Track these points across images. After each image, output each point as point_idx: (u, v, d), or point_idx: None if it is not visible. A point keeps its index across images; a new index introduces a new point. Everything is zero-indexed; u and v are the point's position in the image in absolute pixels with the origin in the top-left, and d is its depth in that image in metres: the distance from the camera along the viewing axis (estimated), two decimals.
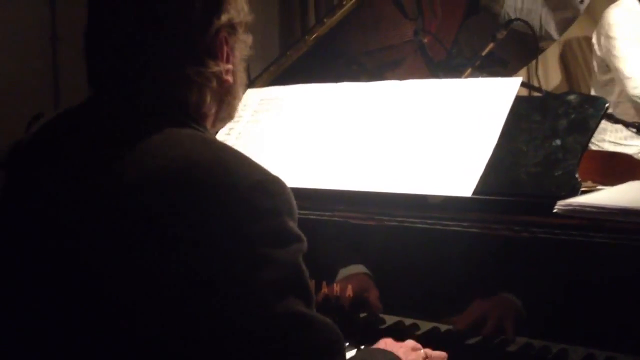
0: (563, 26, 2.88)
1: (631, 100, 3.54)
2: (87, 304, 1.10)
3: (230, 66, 1.27)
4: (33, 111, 3.18)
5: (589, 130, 1.61)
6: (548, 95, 2.23)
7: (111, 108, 1.21)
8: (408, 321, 1.67)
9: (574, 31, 3.52)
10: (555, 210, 1.43)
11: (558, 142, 1.61)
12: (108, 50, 1.22)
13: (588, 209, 1.36)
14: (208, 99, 1.24)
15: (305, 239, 1.16)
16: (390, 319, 1.70)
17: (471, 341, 1.58)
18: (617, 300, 1.44)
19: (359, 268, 1.75)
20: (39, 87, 3.60)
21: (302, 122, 1.91)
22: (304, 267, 1.14)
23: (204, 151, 1.13)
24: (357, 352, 1.48)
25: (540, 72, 3.84)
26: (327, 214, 1.76)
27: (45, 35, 3.60)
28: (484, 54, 2.14)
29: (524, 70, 3.13)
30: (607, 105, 1.64)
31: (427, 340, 1.57)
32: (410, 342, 1.52)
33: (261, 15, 3.65)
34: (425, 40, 2.64)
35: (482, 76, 2.15)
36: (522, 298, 1.53)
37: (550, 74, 4.04)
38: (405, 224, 1.67)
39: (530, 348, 1.52)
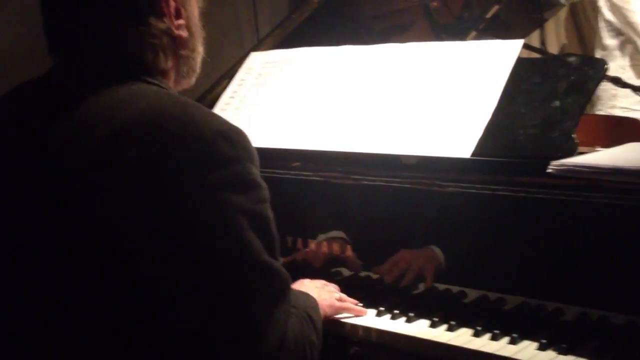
0: None
1: None
2: (64, 259, 1.15)
3: (181, 21, 1.31)
4: None
5: (588, 92, 1.61)
6: (548, 56, 2.23)
7: (75, 73, 1.26)
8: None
9: None
10: (549, 171, 1.44)
11: (557, 103, 1.62)
12: (58, 19, 1.27)
13: (580, 168, 1.37)
14: (161, 55, 1.28)
15: (265, 185, 1.22)
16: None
17: (467, 300, 1.61)
18: (612, 260, 1.45)
19: (338, 233, 1.79)
20: None
21: (304, 84, 1.93)
22: (266, 213, 1.20)
23: (171, 104, 1.19)
24: None
25: (552, 35, 3.79)
26: (325, 174, 1.79)
27: None
28: (488, 16, 2.13)
29: (537, 33, 3.09)
30: (606, 66, 1.64)
31: (428, 301, 1.61)
32: (323, 282, 1.63)
33: None
34: (435, 4, 2.63)
35: (487, 39, 2.14)
36: (518, 257, 1.55)
37: (561, 36, 3.97)
38: (406, 185, 1.69)
39: (526, 307, 1.54)
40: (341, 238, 1.79)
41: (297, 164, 1.85)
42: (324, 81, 1.91)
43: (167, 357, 1.16)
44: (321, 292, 1.58)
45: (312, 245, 1.80)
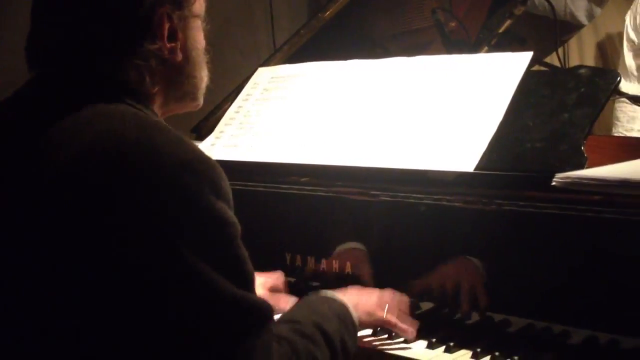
0: (594, 9, 2.76)
1: None
2: (15, 293, 1.09)
3: (175, 44, 1.22)
4: None
5: (599, 104, 1.55)
6: (558, 69, 2.16)
7: (47, 89, 1.19)
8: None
9: (609, 11, 3.35)
10: (553, 183, 1.37)
11: (566, 116, 1.55)
12: (39, 30, 1.21)
13: (585, 181, 1.30)
14: (147, 78, 1.19)
15: (236, 221, 1.12)
16: None
17: (470, 321, 1.54)
18: (625, 280, 1.37)
19: (356, 244, 1.72)
20: None
21: (310, 99, 1.88)
22: (234, 252, 1.10)
23: (133, 128, 1.10)
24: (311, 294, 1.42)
25: (575, 55, 3.71)
26: (330, 189, 1.74)
27: None
28: (500, 31, 2.07)
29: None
30: (618, 78, 1.57)
31: (433, 322, 1.54)
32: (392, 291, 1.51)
33: None
34: (452, 25, 2.58)
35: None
36: (523, 275, 1.48)
37: (586, 56, 3.85)
38: (409, 200, 1.63)
39: (531, 329, 1.47)
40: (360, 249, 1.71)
41: (306, 179, 1.80)
42: (329, 95, 1.86)
43: None
44: (367, 296, 1.46)
45: (335, 264, 1.74)
